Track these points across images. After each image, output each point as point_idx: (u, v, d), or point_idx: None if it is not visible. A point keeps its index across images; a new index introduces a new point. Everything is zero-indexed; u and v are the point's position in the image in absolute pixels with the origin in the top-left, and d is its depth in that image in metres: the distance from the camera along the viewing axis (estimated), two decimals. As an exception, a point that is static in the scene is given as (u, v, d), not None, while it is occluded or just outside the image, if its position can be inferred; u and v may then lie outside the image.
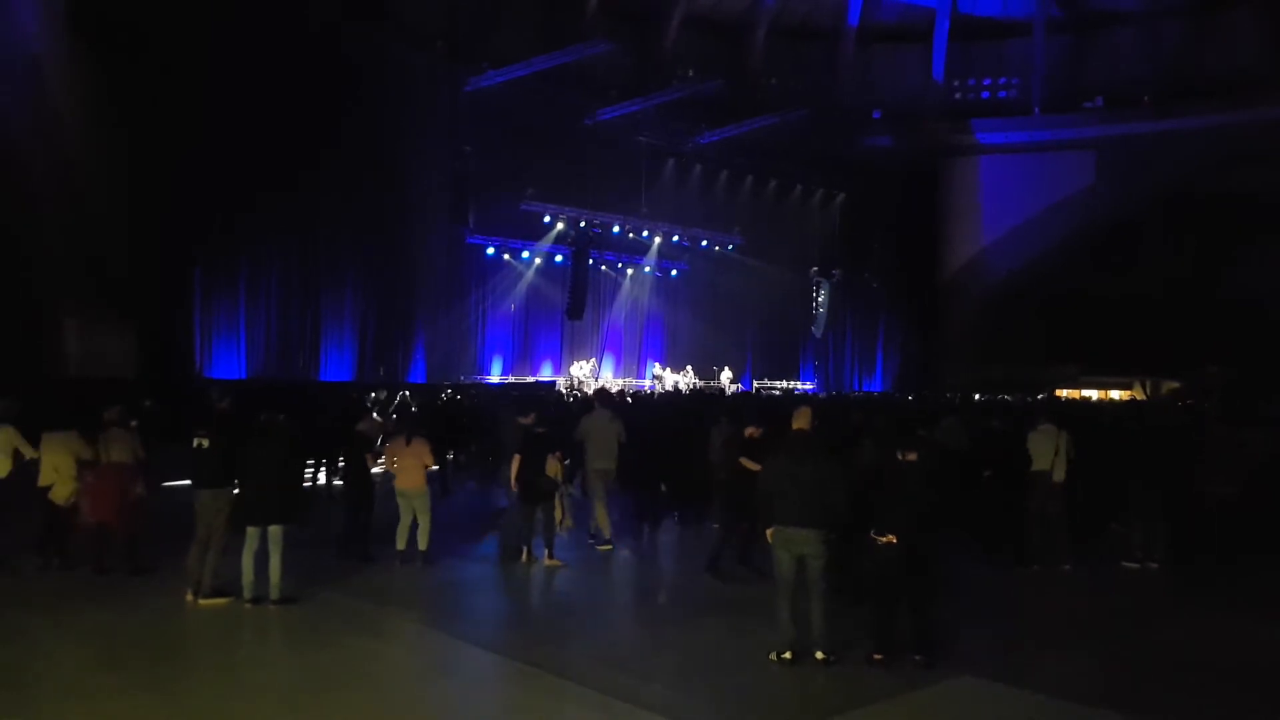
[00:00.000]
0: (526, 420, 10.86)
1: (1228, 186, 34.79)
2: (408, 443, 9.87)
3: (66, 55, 19.69)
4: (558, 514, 10.15)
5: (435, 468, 10.20)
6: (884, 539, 6.99)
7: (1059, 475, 10.37)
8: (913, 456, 7.28)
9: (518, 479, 9.99)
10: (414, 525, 9.95)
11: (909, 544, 6.96)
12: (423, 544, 9.88)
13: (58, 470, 9.14)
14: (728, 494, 9.76)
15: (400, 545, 9.90)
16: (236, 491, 8.35)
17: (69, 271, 19.69)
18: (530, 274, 30.70)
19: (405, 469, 9.85)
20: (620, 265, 32.90)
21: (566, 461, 10.49)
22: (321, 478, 14.12)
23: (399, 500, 9.92)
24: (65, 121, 19.65)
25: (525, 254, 30.02)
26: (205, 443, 8.38)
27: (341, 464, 10.47)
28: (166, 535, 9.20)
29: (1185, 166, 34.15)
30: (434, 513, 10.10)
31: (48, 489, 9.15)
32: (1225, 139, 32.72)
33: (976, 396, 27.22)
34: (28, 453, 9.30)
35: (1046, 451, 10.43)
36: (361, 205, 24.65)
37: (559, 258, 30.44)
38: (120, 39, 19.71)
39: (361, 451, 10.19)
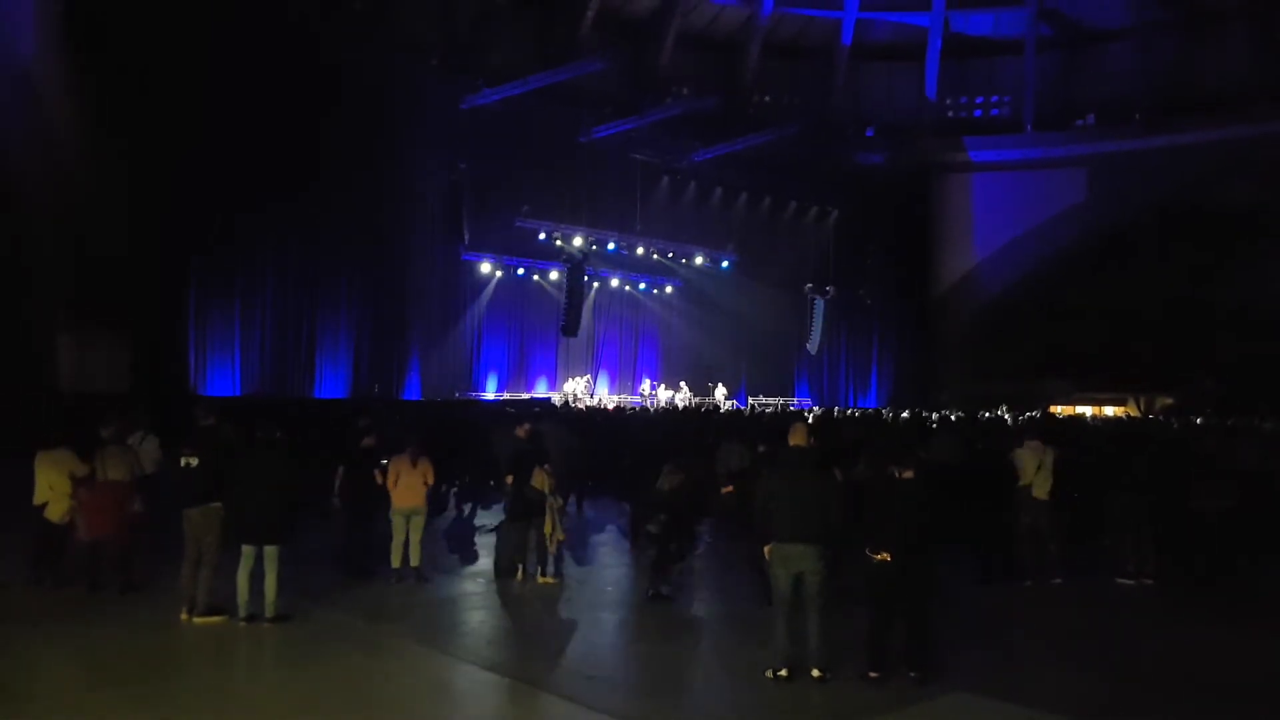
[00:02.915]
0: (521, 432, 10.87)
1: (1219, 201, 35.01)
2: (414, 462, 9.86)
3: (62, 68, 19.74)
4: (547, 528, 10.12)
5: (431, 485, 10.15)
6: (879, 556, 7.00)
7: (1040, 491, 10.44)
8: (909, 474, 7.30)
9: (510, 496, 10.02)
10: (408, 542, 9.94)
11: (904, 560, 6.98)
12: (415, 561, 9.86)
13: (53, 488, 9.10)
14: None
15: (395, 563, 9.88)
16: (226, 508, 8.31)
17: (64, 287, 19.69)
18: (525, 290, 30.74)
19: (409, 487, 9.84)
20: (615, 282, 32.95)
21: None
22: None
23: (395, 518, 9.90)
24: (60, 135, 19.68)
25: (520, 270, 30.07)
26: (193, 461, 8.36)
27: (340, 479, 10.42)
28: (163, 552, 9.18)
29: (1177, 182, 34.36)
30: (430, 529, 10.09)
31: (43, 507, 9.13)
32: (1216, 154, 32.95)
33: (963, 414, 27.24)
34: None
35: (1030, 467, 10.50)
36: (357, 221, 24.69)
37: (554, 274, 30.50)
38: (117, 53, 19.77)
39: (363, 467, 10.16)
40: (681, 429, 17.32)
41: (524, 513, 10.01)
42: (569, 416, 19.33)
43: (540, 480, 9.99)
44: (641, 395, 31.33)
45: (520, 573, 10.14)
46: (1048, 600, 10.00)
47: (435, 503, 15.05)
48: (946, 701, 6.67)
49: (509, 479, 10.17)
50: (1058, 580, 10.37)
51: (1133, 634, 8.76)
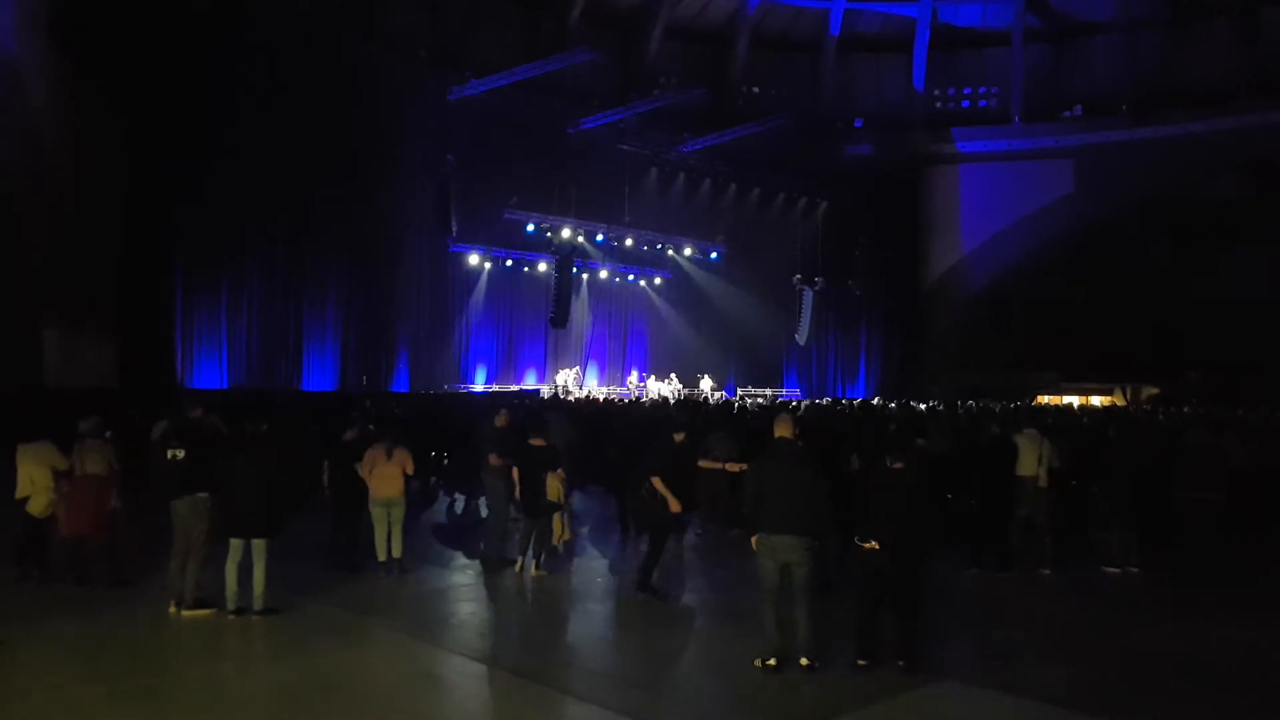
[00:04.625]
0: (500, 421, 10.81)
1: (1204, 193, 35.25)
2: (389, 453, 9.82)
3: (48, 64, 19.58)
4: (556, 527, 10.14)
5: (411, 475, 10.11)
6: (868, 545, 7.03)
7: (1044, 480, 10.48)
8: (900, 464, 7.32)
9: (520, 495, 9.99)
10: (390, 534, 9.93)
11: (894, 550, 7.01)
12: (397, 552, 9.84)
13: (34, 482, 9.03)
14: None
15: (380, 555, 9.87)
16: (215, 501, 8.28)
17: (49, 281, 19.55)
18: (514, 282, 30.69)
19: (386, 477, 9.80)
20: (604, 273, 32.93)
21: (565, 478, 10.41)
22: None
23: (374, 510, 9.86)
24: (45, 130, 19.53)
25: (509, 262, 30.01)
26: (180, 453, 8.32)
27: (326, 474, 10.41)
28: (152, 547, 9.14)
29: (1162, 174, 34.55)
30: (417, 521, 10.06)
31: (24, 501, 9.07)
32: (1201, 147, 33.13)
33: (971, 403, 27.33)
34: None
35: (1031, 457, 10.53)
36: (344, 213, 24.57)
37: (542, 266, 30.46)
38: (106, 49, 19.62)
39: (348, 461, 10.14)
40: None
41: (535, 512, 10.02)
42: (580, 410, 19.22)
43: (555, 489, 9.97)
44: (629, 387, 31.35)
45: (519, 565, 10.15)
46: (1036, 590, 10.06)
47: (424, 495, 15.11)
48: (935, 691, 6.71)
49: (514, 473, 10.13)
50: (1046, 570, 10.44)
51: (1119, 624, 8.81)
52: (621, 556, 11.58)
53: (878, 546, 6.98)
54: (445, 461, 16.01)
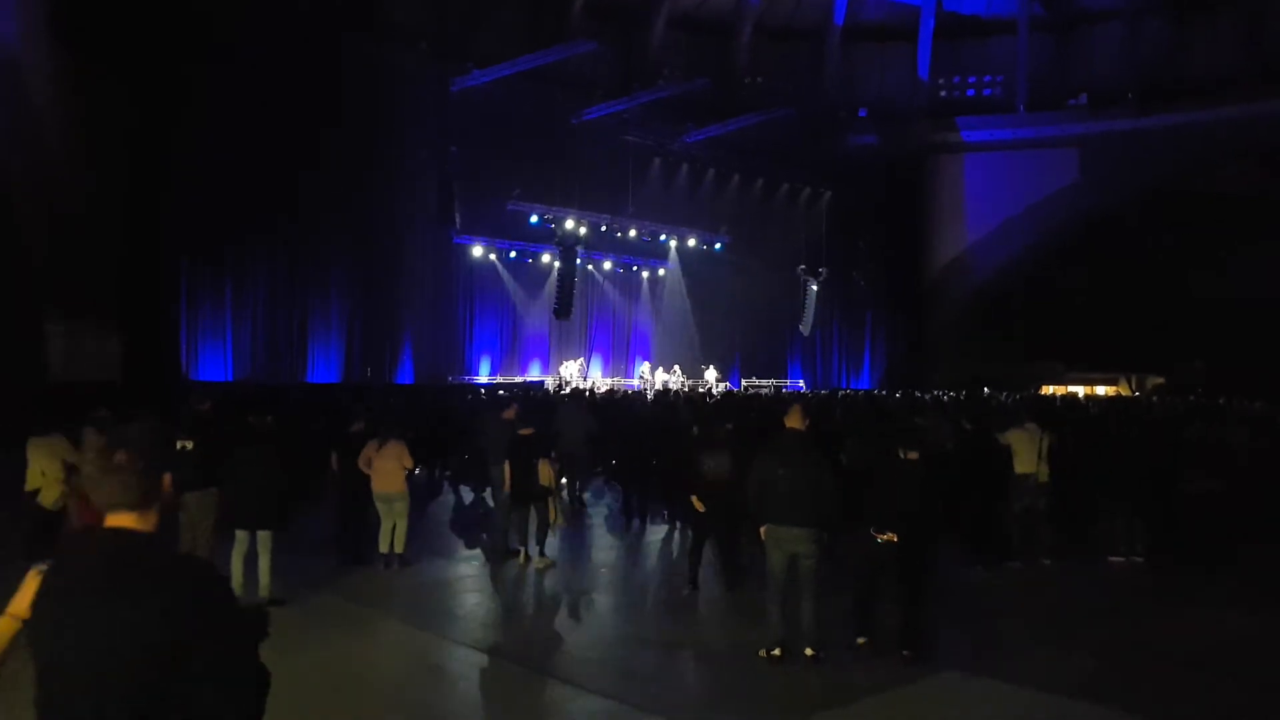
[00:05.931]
0: (509, 415, 10.83)
1: (1210, 183, 35.13)
2: (380, 445, 9.80)
3: (49, 62, 19.55)
4: (550, 513, 10.17)
5: (413, 469, 10.10)
6: (884, 536, 7.00)
7: (1044, 476, 10.46)
8: (914, 455, 7.30)
9: (510, 484, 10.00)
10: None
11: (904, 541, 6.99)
12: (399, 546, 9.86)
13: (45, 474, 9.07)
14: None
15: (382, 547, 9.89)
16: (222, 493, 8.31)
17: (51, 278, 19.55)
18: (518, 273, 30.68)
19: (382, 471, 9.79)
20: (608, 264, 32.90)
21: (558, 465, 10.44)
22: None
23: (378, 504, 9.88)
24: (48, 126, 19.51)
25: (512, 254, 29.99)
26: (189, 445, 8.35)
27: (335, 465, 10.43)
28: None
29: (1168, 164, 34.41)
30: (423, 513, 10.08)
31: (35, 493, 9.09)
32: (1207, 137, 32.98)
33: (953, 395, 27.33)
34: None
35: (1030, 452, 10.49)
36: (348, 206, 24.56)
37: (546, 257, 30.43)
38: (107, 46, 19.59)
39: (353, 454, 10.16)
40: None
41: (525, 499, 10.04)
42: (597, 402, 19.25)
43: (546, 475, 9.99)
44: (641, 378, 31.28)
45: (522, 555, 10.18)
46: (1038, 581, 10.05)
47: (429, 487, 15.15)
48: (939, 680, 6.72)
49: (506, 467, 10.15)
50: (1046, 561, 10.43)
51: (1122, 614, 8.81)
52: (625, 548, 11.60)
53: (895, 539, 6.95)
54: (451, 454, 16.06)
